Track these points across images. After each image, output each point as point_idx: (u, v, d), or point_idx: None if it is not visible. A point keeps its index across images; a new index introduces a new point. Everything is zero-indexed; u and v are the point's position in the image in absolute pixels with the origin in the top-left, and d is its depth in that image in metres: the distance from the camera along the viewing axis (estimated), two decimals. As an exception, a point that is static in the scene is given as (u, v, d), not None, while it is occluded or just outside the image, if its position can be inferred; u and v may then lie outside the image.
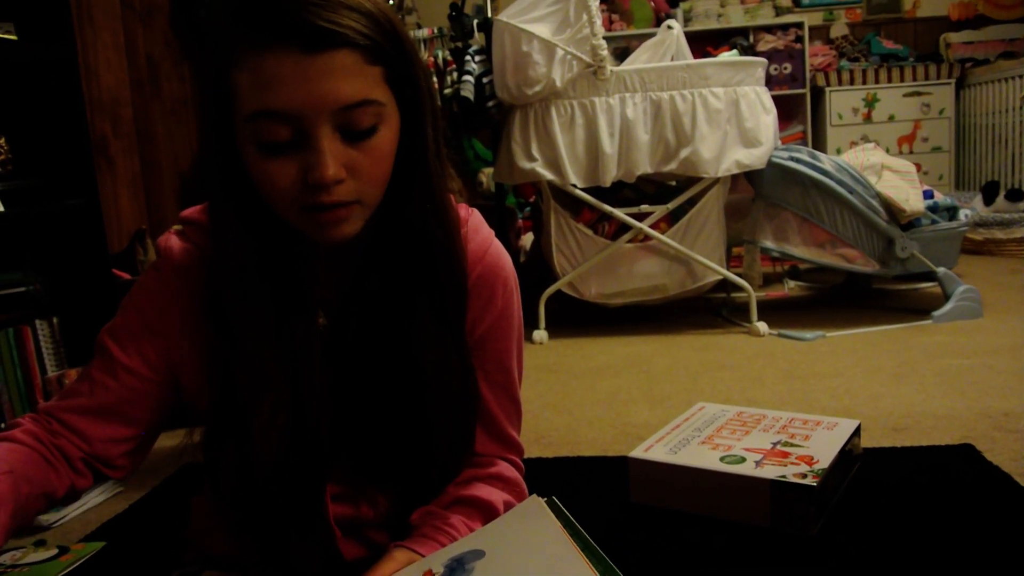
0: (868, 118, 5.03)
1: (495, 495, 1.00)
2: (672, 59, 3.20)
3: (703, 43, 4.88)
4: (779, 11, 5.19)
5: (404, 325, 0.94)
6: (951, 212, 3.03)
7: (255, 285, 0.89)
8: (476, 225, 1.02)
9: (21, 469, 0.86)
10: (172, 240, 0.96)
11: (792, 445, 1.42)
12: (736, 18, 5.12)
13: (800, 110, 5.06)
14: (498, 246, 1.04)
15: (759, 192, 2.98)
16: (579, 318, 3.24)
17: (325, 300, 0.96)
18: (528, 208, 4.10)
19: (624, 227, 2.95)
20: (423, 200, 0.91)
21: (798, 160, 2.84)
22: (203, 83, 0.84)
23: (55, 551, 1.43)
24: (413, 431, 0.96)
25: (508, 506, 1.02)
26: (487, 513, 0.98)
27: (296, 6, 0.77)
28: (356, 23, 0.79)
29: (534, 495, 0.95)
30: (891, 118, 5.01)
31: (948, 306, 2.81)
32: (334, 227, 0.84)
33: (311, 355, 0.92)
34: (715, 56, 3.70)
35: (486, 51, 3.19)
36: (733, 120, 2.83)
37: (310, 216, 0.84)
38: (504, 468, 1.04)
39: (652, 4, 5.09)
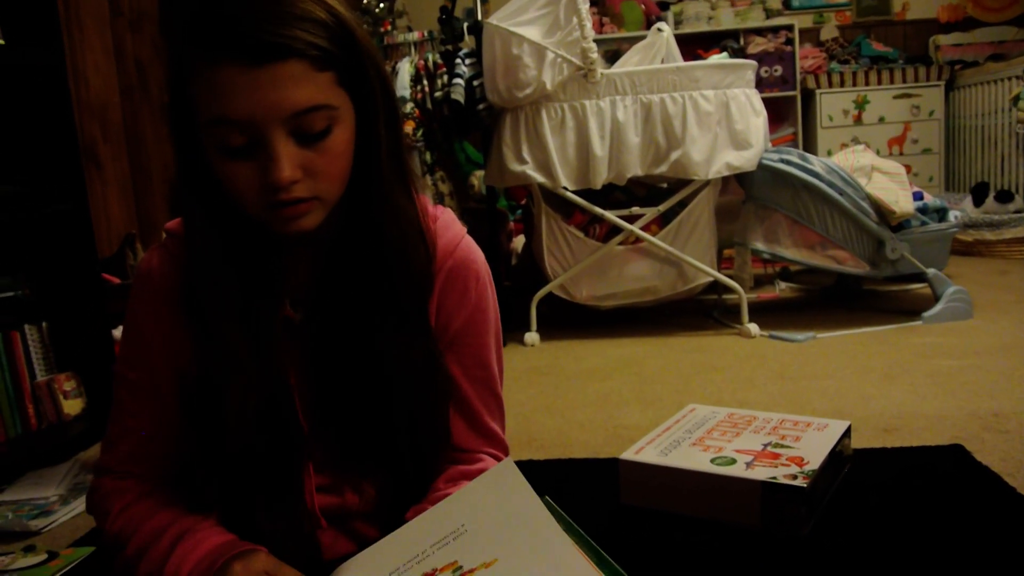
0: (858, 120, 5.05)
1: None
2: (662, 62, 3.20)
3: (693, 46, 4.89)
4: (769, 13, 5.20)
5: (366, 318, 0.96)
6: (941, 213, 3.04)
7: (223, 274, 0.92)
8: (447, 222, 1.04)
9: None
10: (153, 260, 0.99)
11: (783, 446, 1.42)
12: (726, 21, 5.13)
13: (790, 112, 5.07)
14: (469, 241, 1.06)
15: (750, 194, 2.98)
16: (570, 320, 3.24)
17: (298, 292, 0.99)
18: (519, 211, 4.10)
19: (615, 229, 2.95)
20: (378, 198, 0.94)
21: (788, 162, 2.84)
22: (169, 90, 0.87)
23: (44, 556, 1.43)
24: (382, 418, 0.98)
25: None
26: None
27: (245, 22, 0.80)
28: (305, 34, 0.81)
29: (507, 459, 0.96)
30: (881, 120, 5.03)
31: (938, 307, 2.81)
32: (294, 222, 0.88)
33: (275, 342, 0.95)
34: (705, 59, 3.71)
35: (476, 54, 3.19)
36: (723, 122, 2.84)
37: (271, 212, 0.87)
38: (490, 464, 1.05)
39: (642, 7, 5.09)
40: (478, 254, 1.06)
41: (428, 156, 3.56)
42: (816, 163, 2.84)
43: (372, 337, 0.96)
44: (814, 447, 1.40)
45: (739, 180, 3.02)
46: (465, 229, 1.06)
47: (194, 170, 0.90)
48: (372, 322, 0.96)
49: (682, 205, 2.96)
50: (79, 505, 1.70)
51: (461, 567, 0.81)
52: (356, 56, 0.87)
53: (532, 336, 2.99)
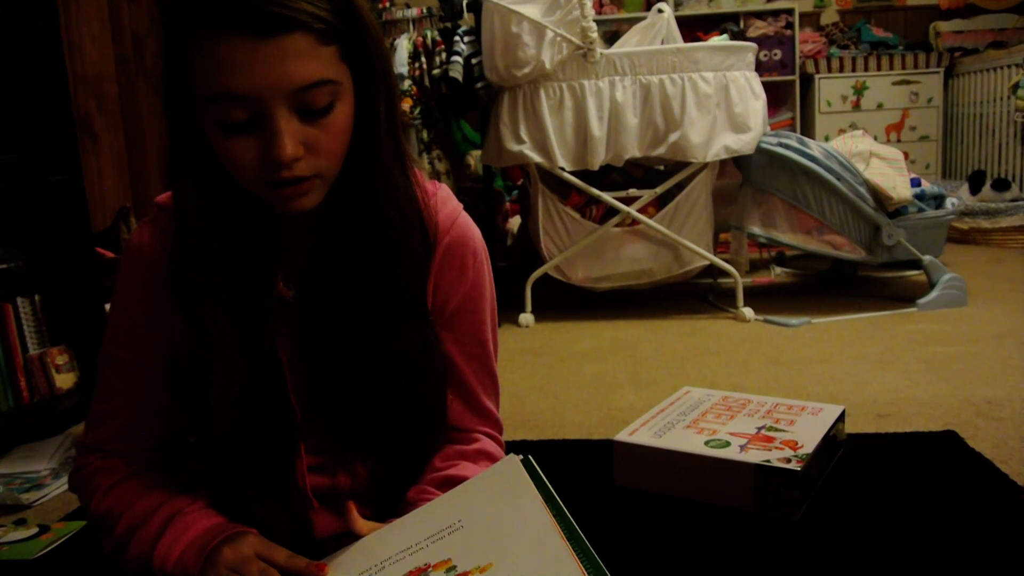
0: (857, 106, 5.03)
1: None
2: (662, 43, 3.18)
3: (693, 28, 4.86)
4: (769, -3, 5.17)
5: (362, 299, 0.95)
6: (938, 200, 3.04)
7: (214, 253, 0.90)
8: (444, 198, 1.03)
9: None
10: (144, 235, 0.97)
11: (777, 430, 1.42)
12: (727, 3, 5.10)
13: (789, 97, 5.05)
14: (466, 218, 1.05)
15: (747, 178, 2.97)
16: (566, 302, 3.23)
17: (290, 269, 0.97)
18: (516, 191, 4.09)
19: (612, 211, 2.94)
20: (376, 177, 0.92)
21: (787, 146, 2.83)
22: (163, 63, 0.85)
23: (35, 530, 1.43)
24: (379, 398, 0.97)
25: None
26: None
27: None
28: (310, 5, 0.79)
29: (511, 455, 0.95)
30: (880, 106, 5.02)
31: (933, 294, 2.82)
32: (295, 200, 0.86)
33: (267, 323, 0.93)
34: (705, 41, 3.69)
35: (475, 32, 3.17)
36: (722, 105, 2.83)
37: (272, 190, 0.85)
38: (486, 443, 1.05)
39: (643, -12, 5.06)
40: (475, 230, 1.05)
41: (425, 134, 3.54)
42: (814, 148, 2.84)
43: (368, 319, 0.95)
44: (808, 431, 1.41)
45: (737, 164, 3.01)
46: (462, 205, 1.05)
47: (187, 143, 0.87)
48: (368, 303, 0.95)
49: (679, 188, 2.95)
50: (71, 479, 1.69)
51: (455, 567, 0.81)
52: (358, 30, 0.85)
53: (527, 317, 2.98)
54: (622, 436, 1.44)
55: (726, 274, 2.97)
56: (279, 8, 0.77)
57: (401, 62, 3.38)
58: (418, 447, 1.03)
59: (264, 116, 0.81)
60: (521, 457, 0.92)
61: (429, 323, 1.00)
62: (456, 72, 3.16)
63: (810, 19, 5.34)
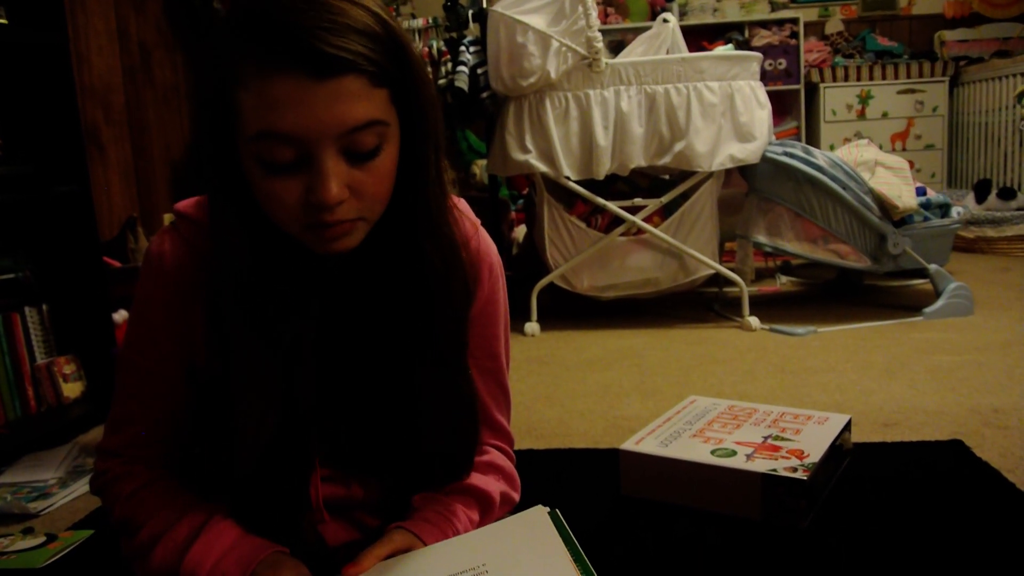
0: (862, 115, 5.04)
1: (492, 485, 1.01)
2: (667, 53, 3.19)
3: (698, 37, 4.88)
4: (774, 6, 5.18)
5: (389, 339, 0.94)
6: (943, 209, 3.04)
7: (252, 289, 0.88)
8: (462, 212, 1.03)
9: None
10: (165, 244, 0.96)
11: (783, 439, 1.42)
12: (731, 13, 5.11)
13: (794, 106, 5.06)
14: (483, 233, 1.05)
15: (752, 187, 2.97)
16: (571, 311, 3.24)
17: (317, 298, 0.96)
18: (521, 200, 4.09)
19: (617, 220, 2.95)
20: (421, 224, 0.90)
21: (792, 155, 2.83)
22: (205, 94, 0.83)
23: (43, 539, 1.43)
24: (399, 435, 0.97)
25: (504, 497, 1.03)
26: (484, 503, 0.99)
27: (304, 31, 0.76)
28: (364, 48, 0.78)
29: (539, 506, 0.95)
30: (885, 115, 5.02)
31: (939, 303, 2.81)
32: (335, 242, 0.85)
33: (301, 357, 0.92)
34: (710, 51, 3.70)
35: (481, 42, 3.18)
36: (727, 114, 2.83)
37: (312, 231, 0.83)
38: (496, 456, 1.05)
39: (647, -3, 5.08)
40: (491, 246, 1.05)
41: (430, 144, 3.55)
42: (820, 157, 2.84)
43: (394, 361, 0.94)
44: (814, 440, 1.40)
45: (742, 173, 3.01)
46: (479, 221, 1.05)
47: (226, 177, 0.86)
48: (396, 346, 0.94)
49: (685, 197, 2.95)
50: (78, 488, 1.70)
51: None
52: (408, 74, 0.84)
53: (533, 326, 2.99)
54: (628, 445, 1.44)
55: (732, 283, 2.97)
56: (335, 49, 0.76)
57: (407, 72, 3.39)
58: (438, 476, 1.02)
59: (311, 157, 0.79)
60: (548, 510, 0.92)
61: (464, 372, 0.98)
62: (462, 82, 3.17)
63: (815, 28, 5.35)
